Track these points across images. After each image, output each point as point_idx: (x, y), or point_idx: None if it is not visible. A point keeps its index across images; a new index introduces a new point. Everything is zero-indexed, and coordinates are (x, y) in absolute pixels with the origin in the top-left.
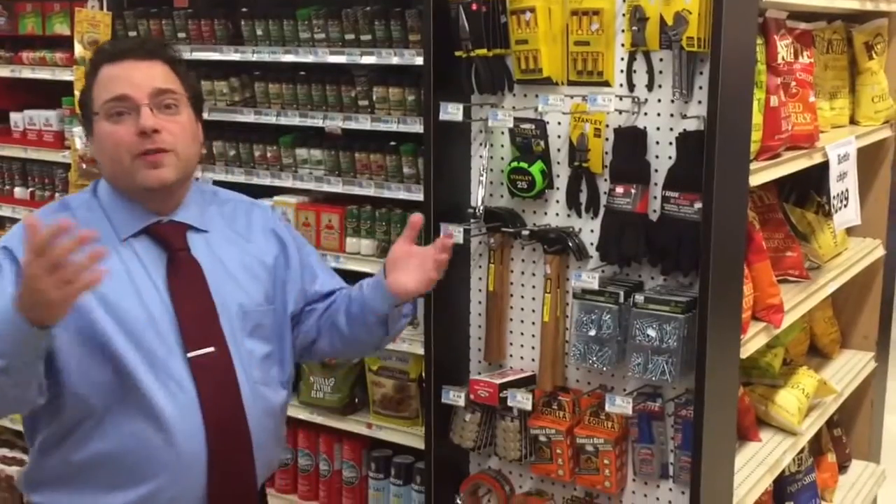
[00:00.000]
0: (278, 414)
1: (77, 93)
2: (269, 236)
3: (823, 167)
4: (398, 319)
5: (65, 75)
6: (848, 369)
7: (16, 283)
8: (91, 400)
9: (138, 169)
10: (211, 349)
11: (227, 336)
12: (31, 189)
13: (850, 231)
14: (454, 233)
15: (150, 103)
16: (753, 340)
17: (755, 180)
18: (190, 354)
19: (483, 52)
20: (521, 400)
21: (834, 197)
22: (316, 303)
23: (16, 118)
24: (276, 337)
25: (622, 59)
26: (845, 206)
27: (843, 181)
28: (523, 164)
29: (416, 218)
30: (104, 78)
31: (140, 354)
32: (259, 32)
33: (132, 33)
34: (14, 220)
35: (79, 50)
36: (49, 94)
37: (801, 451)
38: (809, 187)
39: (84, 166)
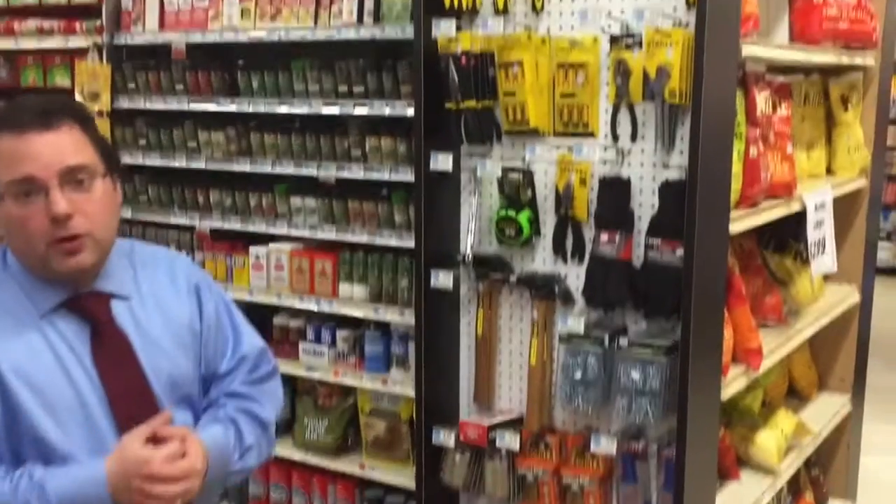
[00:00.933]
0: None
1: None
2: (192, 293)
3: (801, 215)
4: (217, 487)
5: None
6: (825, 411)
7: None
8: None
9: (53, 256)
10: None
11: (160, 410)
12: None
13: (827, 278)
14: (444, 279)
15: (60, 183)
16: (734, 383)
17: (735, 228)
18: (125, 436)
19: (472, 103)
20: (510, 441)
21: (811, 244)
22: (218, 381)
23: None
24: (197, 398)
25: (607, 110)
26: (822, 253)
27: (820, 229)
28: (511, 213)
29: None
30: (6, 152)
31: (74, 440)
32: (255, 84)
33: (131, 85)
34: None
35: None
36: None
37: (780, 490)
38: (788, 235)
39: None
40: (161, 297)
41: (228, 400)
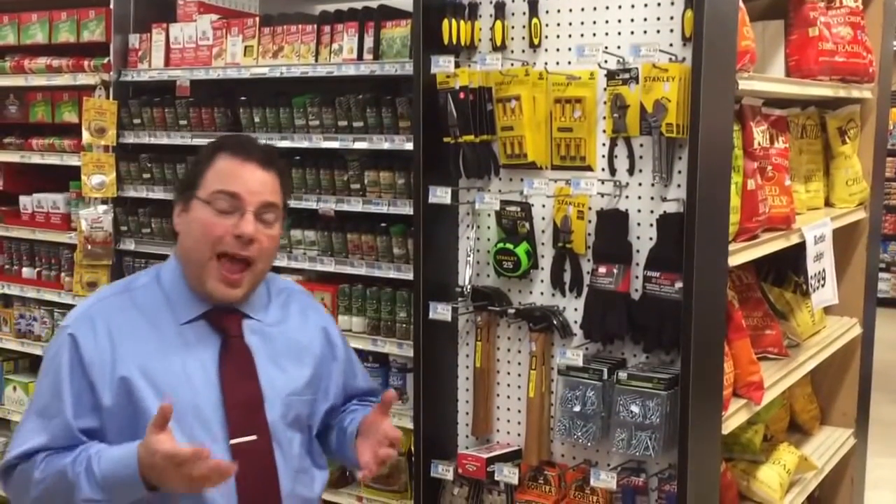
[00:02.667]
0: (314, 501)
1: (85, 177)
2: (319, 331)
3: (800, 248)
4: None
5: (72, 160)
6: (828, 445)
7: (71, 373)
8: None
9: (213, 273)
10: (253, 437)
11: (270, 424)
12: (38, 269)
13: (827, 310)
14: (443, 311)
15: (255, 211)
16: (734, 417)
17: (734, 261)
18: (232, 441)
19: (470, 137)
20: (508, 474)
21: (811, 277)
22: (350, 401)
23: (25, 201)
24: (308, 426)
25: (604, 144)
26: (822, 285)
27: (820, 261)
28: (509, 245)
29: (391, 394)
30: (224, 168)
31: (184, 439)
32: (257, 119)
33: (136, 121)
34: (22, 299)
35: (86, 137)
36: (57, 179)
37: None
38: (787, 267)
39: (89, 247)
40: (289, 326)
41: (361, 404)
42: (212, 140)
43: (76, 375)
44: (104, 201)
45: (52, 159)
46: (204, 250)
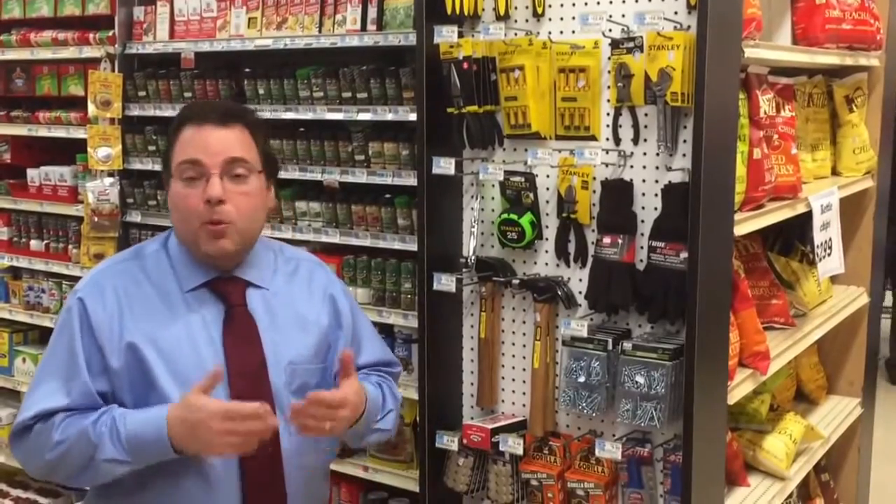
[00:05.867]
0: (318, 474)
1: (91, 150)
2: (326, 300)
3: (807, 217)
4: (362, 436)
5: (79, 133)
6: (835, 415)
7: (82, 336)
8: None
9: (202, 236)
10: (257, 404)
11: (273, 393)
12: (45, 241)
13: (834, 279)
14: (447, 282)
15: (221, 172)
16: (740, 387)
17: (740, 230)
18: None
19: (474, 108)
20: (513, 444)
21: (818, 246)
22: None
23: (32, 174)
24: None
25: (608, 114)
26: (829, 254)
27: (827, 230)
28: (513, 216)
29: (346, 353)
30: (183, 139)
31: None
32: (261, 91)
33: (142, 93)
34: (31, 272)
35: (92, 109)
36: (64, 152)
37: (790, 496)
38: (793, 236)
39: (96, 219)
40: (295, 295)
41: (371, 373)
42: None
43: (86, 339)
44: (110, 174)
45: (59, 132)
46: (187, 223)
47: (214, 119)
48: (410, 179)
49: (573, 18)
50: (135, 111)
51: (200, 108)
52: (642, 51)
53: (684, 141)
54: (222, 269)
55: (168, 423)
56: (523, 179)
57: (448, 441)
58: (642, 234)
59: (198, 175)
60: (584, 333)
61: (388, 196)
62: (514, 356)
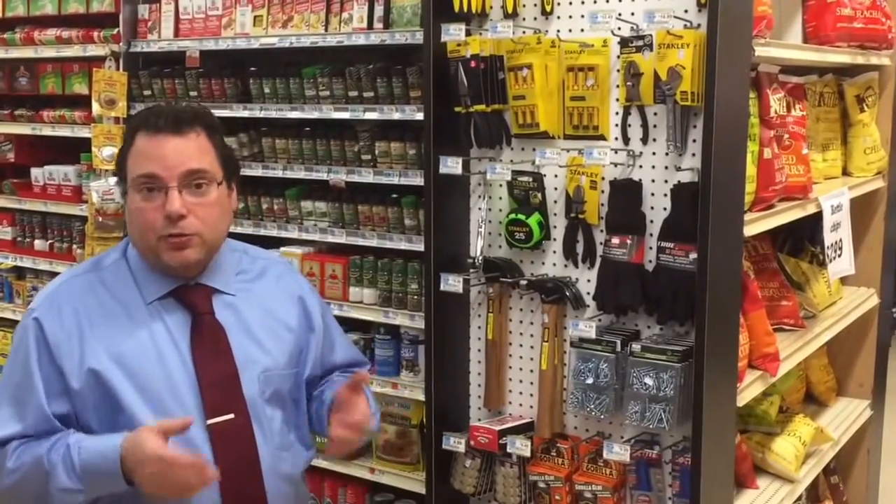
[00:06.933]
0: (298, 480)
1: (95, 149)
2: (296, 302)
3: (817, 217)
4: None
5: (83, 132)
6: (844, 417)
7: (39, 359)
8: None
9: (163, 249)
10: (231, 416)
11: (248, 402)
12: (49, 241)
13: (844, 280)
14: (454, 283)
15: (179, 185)
16: (750, 388)
17: (750, 231)
18: (210, 421)
19: (482, 107)
20: (521, 446)
21: (828, 247)
22: (330, 373)
23: (36, 173)
24: (293, 401)
25: (617, 113)
26: (839, 255)
27: (837, 231)
28: (521, 216)
29: (363, 375)
30: (138, 149)
31: (159, 417)
32: (267, 90)
33: (147, 92)
34: (35, 272)
35: (96, 108)
36: (68, 151)
37: (799, 498)
38: (803, 237)
39: (100, 219)
40: (264, 298)
41: (347, 372)
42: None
43: (44, 361)
44: (115, 173)
45: (63, 131)
46: (147, 238)
47: (168, 127)
48: (417, 179)
49: (582, 16)
50: (139, 110)
51: (154, 114)
52: (652, 49)
53: (694, 140)
54: (186, 277)
55: (121, 455)
56: (531, 179)
57: (455, 443)
58: (651, 235)
59: (157, 188)
60: (593, 335)
61: (394, 196)
62: (521, 357)
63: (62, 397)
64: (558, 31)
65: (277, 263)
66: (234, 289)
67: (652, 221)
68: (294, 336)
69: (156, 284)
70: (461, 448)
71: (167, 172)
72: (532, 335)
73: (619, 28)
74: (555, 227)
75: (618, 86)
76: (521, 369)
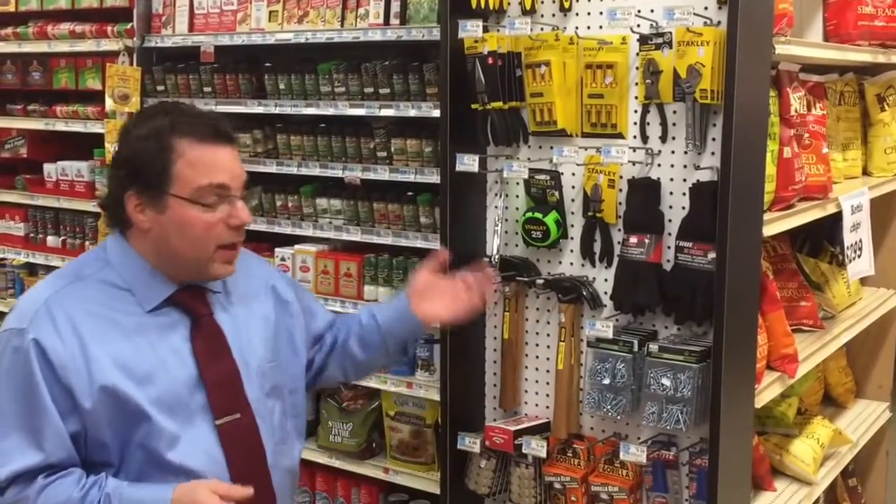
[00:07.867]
0: (296, 469)
1: (108, 145)
2: (269, 292)
3: (836, 218)
4: (417, 342)
5: (96, 128)
6: (863, 419)
7: (45, 380)
8: (129, 475)
9: (217, 260)
10: (237, 415)
11: (250, 400)
12: (62, 237)
13: (863, 281)
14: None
15: (242, 194)
16: (768, 390)
17: (769, 231)
18: (218, 422)
19: (499, 104)
20: (536, 447)
21: (848, 247)
22: (320, 339)
23: (49, 169)
24: (289, 392)
25: (636, 111)
26: (859, 256)
27: (857, 232)
28: (538, 215)
29: (443, 252)
30: (198, 158)
31: (171, 425)
32: (282, 86)
33: (160, 88)
34: (47, 268)
35: (109, 104)
36: (81, 146)
37: (817, 501)
38: (823, 238)
39: None
40: (243, 293)
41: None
42: (150, 121)
43: (50, 381)
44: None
45: (76, 126)
46: (204, 249)
47: (227, 137)
48: (433, 177)
49: (601, 13)
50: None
51: (200, 121)
52: (671, 47)
53: (713, 139)
54: (180, 280)
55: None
56: (548, 177)
57: (470, 443)
58: (669, 234)
59: (221, 197)
60: (610, 334)
61: (410, 193)
62: (537, 357)
63: (72, 415)
64: (576, 28)
65: (245, 255)
66: (218, 286)
67: (670, 221)
68: (273, 328)
69: (154, 291)
70: (476, 448)
71: (234, 182)
72: (548, 335)
73: (639, 25)
74: (572, 225)
75: (636, 83)
76: (536, 369)
